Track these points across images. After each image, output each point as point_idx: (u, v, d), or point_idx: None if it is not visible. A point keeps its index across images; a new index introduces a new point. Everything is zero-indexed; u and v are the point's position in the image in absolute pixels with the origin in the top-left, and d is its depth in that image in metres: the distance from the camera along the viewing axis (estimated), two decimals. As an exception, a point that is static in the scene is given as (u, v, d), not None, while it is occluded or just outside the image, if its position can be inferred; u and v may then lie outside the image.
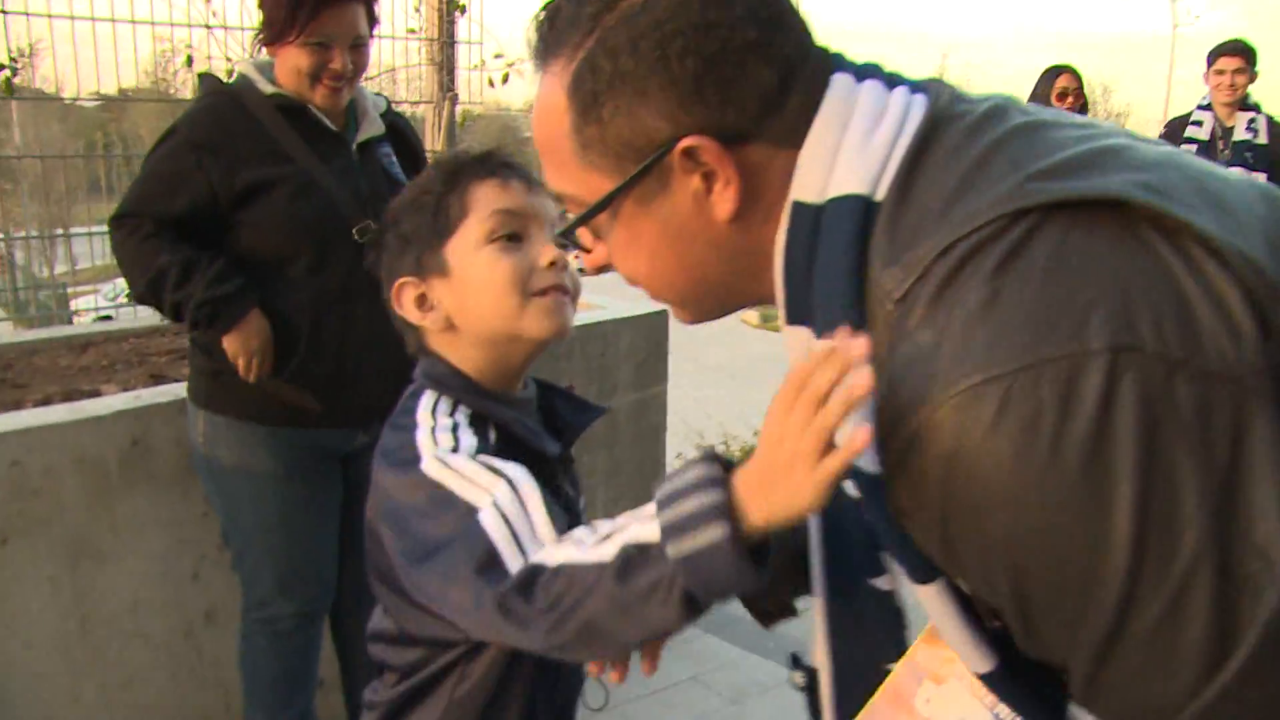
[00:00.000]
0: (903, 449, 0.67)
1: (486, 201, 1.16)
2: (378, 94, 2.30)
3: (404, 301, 1.18)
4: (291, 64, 2.00)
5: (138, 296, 2.07)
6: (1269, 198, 0.75)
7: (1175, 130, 4.49)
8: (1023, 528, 0.64)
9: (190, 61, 3.26)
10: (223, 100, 2.03)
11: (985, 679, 0.80)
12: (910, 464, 0.68)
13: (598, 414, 1.31)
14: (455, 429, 1.10)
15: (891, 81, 0.80)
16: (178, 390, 2.27)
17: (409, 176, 2.17)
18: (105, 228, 2.07)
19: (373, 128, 2.14)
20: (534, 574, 0.92)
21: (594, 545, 0.89)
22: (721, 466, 0.81)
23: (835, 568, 0.92)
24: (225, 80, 2.15)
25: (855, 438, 0.68)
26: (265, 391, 1.99)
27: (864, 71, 0.80)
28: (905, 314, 0.68)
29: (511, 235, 1.15)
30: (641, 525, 0.85)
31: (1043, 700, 0.76)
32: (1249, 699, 0.63)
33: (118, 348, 2.76)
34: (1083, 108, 4.49)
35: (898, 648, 0.93)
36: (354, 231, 2.03)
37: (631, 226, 0.82)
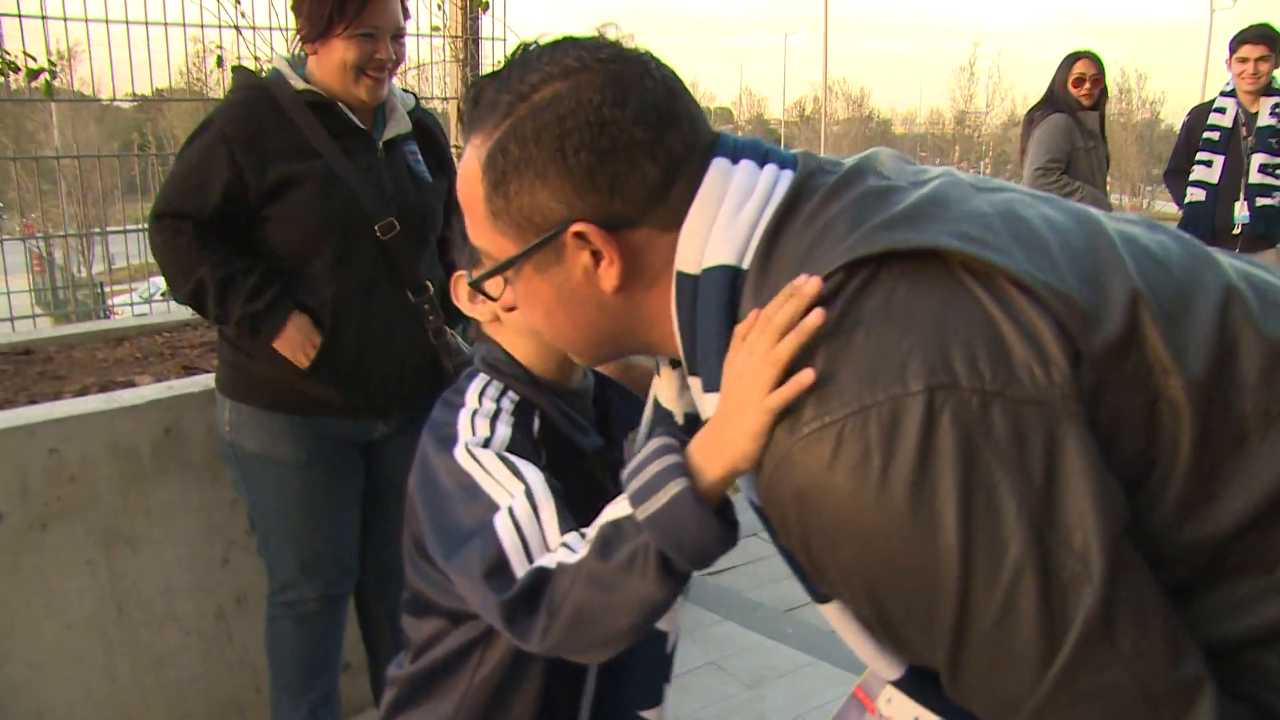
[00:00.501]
0: (766, 485, 0.78)
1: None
2: (406, 90, 2.33)
3: (459, 292, 1.23)
4: (337, 58, 2.02)
5: (181, 300, 2.12)
6: (1088, 230, 0.84)
7: (1199, 118, 4.46)
8: (868, 552, 0.74)
9: (220, 62, 3.33)
10: (256, 95, 2.06)
11: (897, 684, 0.89)
12: (772, 499, 0.78)
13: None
14: (495, 417, 1.15)
15: (765, 159, 0.90)
16: (208, 381, 2.34)
17: (434, 175, 2.22)
18: (141, 226, 2.12)
19: (400, 126, 2.17)
20: (538, 582, 0.97)
21: (583, 543, 0.94)
22: (674, 435, 0.90)
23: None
24: (258, 75, 2.19)
25: (802, 376, 0.76)
26: (289, 383, 2.05)
27: (740, 151, 0.90)
28: None
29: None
30: (614, 506, 0.92)
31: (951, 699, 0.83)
32: (1081, 685, 0.71)
33: (151, 341, 2.84)
34: (1102, 93, 4.45)
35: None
36: (376, 229, 2.07)
37: (531, 286, 0.93)
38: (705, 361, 0.86)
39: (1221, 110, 4.36)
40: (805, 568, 0.81)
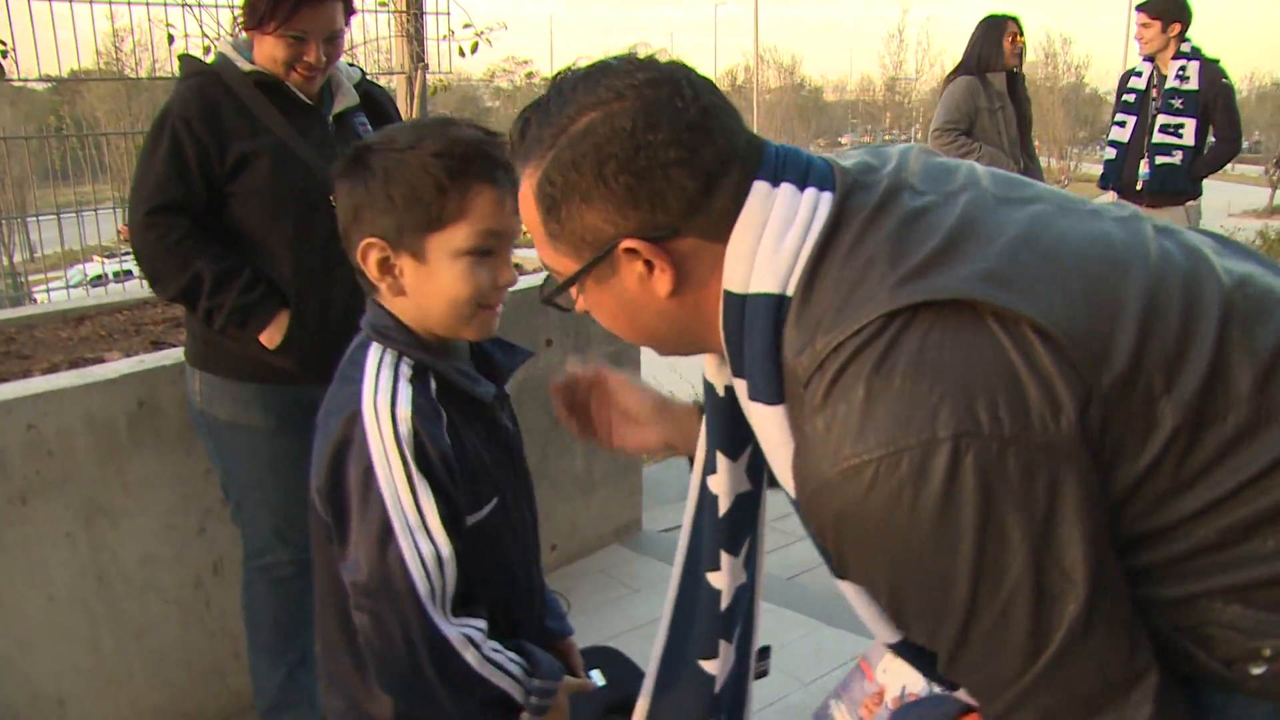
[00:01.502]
0: (807, 502, 0.91)
1: (481, 215, 1.22)
2: (351, 64, 2.35)
3: (368, 260, 1.25)
4: (268, 51, 2.07)
5: (168, 297, 2.13)
6: (1104, 247, 0.95)
7: (1123, 82, 4.66)
8: (894, 565, 0.88)
9: (171, 40, 3.31)
10: (205, 79, 2.09)
11: (892, 647, 1.03)
12: (813, 513, 0.90)
13: (526, 356, 1.45)
14: (395, 385, 1.21)
15: (805, 178, 0.98)
16: (178, 355, 2.37)
17: None
18: (65, 211, 2.11)
19: (347, 99, 2.21)
20: (451, 656, 1.19)
21: (488, 665, 1.22)
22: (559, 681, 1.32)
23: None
24: (201, 60, 2.21)
25: None
26: (255, 354, 2.09)
27: (782, 173, 0.98)
28: (809, 396, 0.89)
29: (487, 250, 1.24)
30: (514, 685, 1.25)
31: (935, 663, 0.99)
32: (1058, 681, 0.87)
33: (113, 319, 2.85)
34: (1023, 53, 4.60)
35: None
36: (331, 199, 2.11)
37: (595, 297, 1.03)
38: (751, 375, 0.96)
39: (1139, 74, 4.56)
40: (835, 564, 0.94)
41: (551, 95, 0.97)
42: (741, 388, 0.99)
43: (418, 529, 1.17)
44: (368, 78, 2.35)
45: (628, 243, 0.95)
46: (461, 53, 3.85)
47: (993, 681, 0.90)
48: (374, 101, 2.31)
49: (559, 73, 1.00)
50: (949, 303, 0.86)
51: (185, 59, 2.24)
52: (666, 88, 0.94)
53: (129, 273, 7.88)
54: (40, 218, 5.32)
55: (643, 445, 1.41)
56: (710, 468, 1.18)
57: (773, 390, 0.95)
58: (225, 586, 2.47)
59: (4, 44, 2.68)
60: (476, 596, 1.27)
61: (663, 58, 0.99)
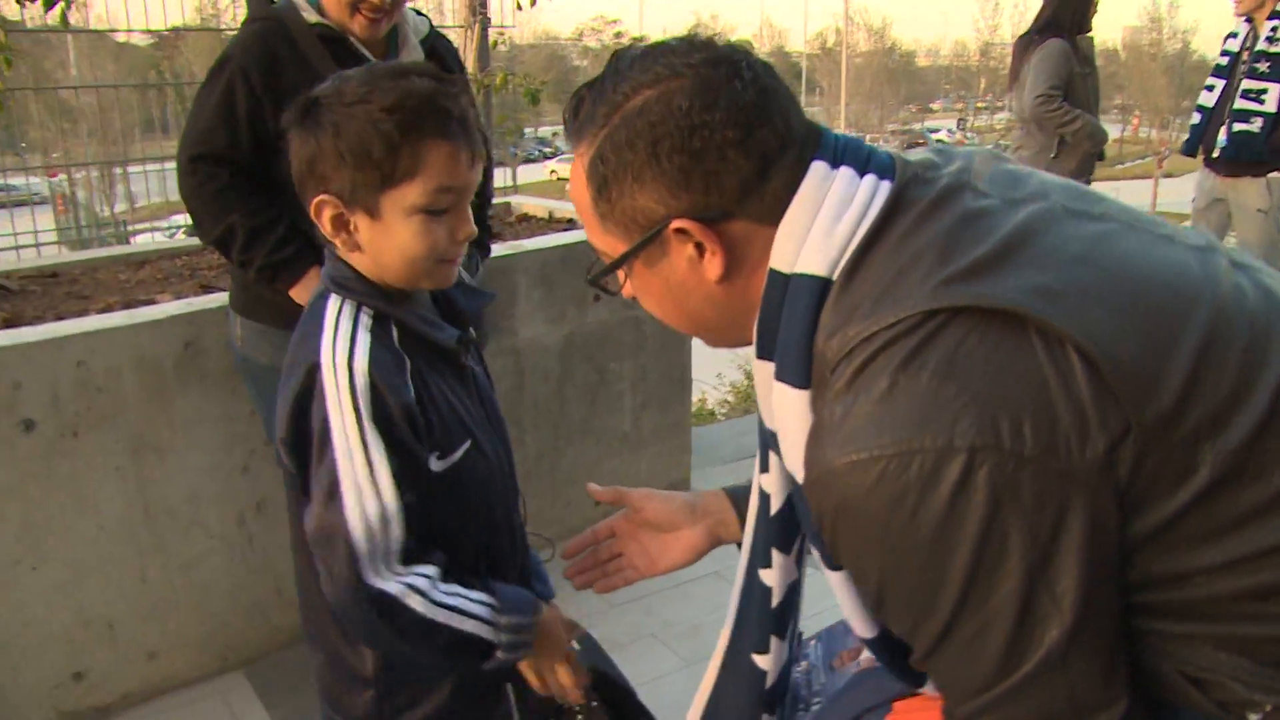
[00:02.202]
0: (810, 486, 0.89)
1: (435, 171, 1.19)
2: (420, 14, 2.31)
3: (322, 217, 1.23)
4: None
5: (206, 243, 2.16)
6: (1169, 274, 0.90)
7: (1224, 44, 4.42)
8: (886, 563, 0.86)
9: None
10: (269, 26, 2.06)
11: (867, 643, 1.03)
12: (814, 497, 0.89)
13: (488, 299, 1.44)
14: (354, 333, 1.21)
15: (865, 165, 0.96)
16: (224, 299, 2.43)
17: None
18: (162, 164, 2.12)
19: (412, 55, 2.17)
20: (392, 605, 1.19)
21: (442, 608, 1.21)
22: (538, 616, 1.32)
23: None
24: (270, 2, 2.16)
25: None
26: (294, 303, 2.12)
27: (842, 156, 0.96)
28: (834, 381, 0.88)
29: (442, 208, 1.21)
30: (483, 627, 1.25)
31: (909, 666, 0.99)
32: (1026, 697, 0.85)
33: (171, 264, 2.94)
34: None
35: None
36: None
37: (642, 280, 1.02)
38: (782, 356, 0.94)
39: (1235, 34, 4.32)
40: (828, 549, 0.93)
41: (607, 74, 0.96)
42: (767, 369, 0.97)
43: (365, 483, 1.16)
44: (436, 29, 2.30)
45: (679, 223, 0.94)
46: (519, 6, 3.83)
47: (963, 685, 0.89)
48: (438, 58, 2.26)
49: (616, 52, 0.99)
50: (993, 311, 0.83)
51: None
52: (724, 67, 0.92)
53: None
54: (147, 168, 5.50)
55: (690, 554, 1.38)
56: (763, 466, 1.15)
57: (801, 373, 0.93)
58: (268, 524, 2.55)
59: (67, -3, 2.76)
60: (434, 544, 1.26)
61: (721, 40, 0.97)
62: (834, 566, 0.97)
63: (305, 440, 1.20)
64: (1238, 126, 4.12)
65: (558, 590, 1.57)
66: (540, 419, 3.13)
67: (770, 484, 1.14)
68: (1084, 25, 4.36)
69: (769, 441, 1.12)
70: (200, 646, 2.52)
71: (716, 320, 1.03)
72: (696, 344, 3.88)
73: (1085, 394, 0.80)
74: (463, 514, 1.30)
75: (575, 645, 1.43)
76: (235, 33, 2.16)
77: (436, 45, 2.28)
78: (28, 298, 2.64)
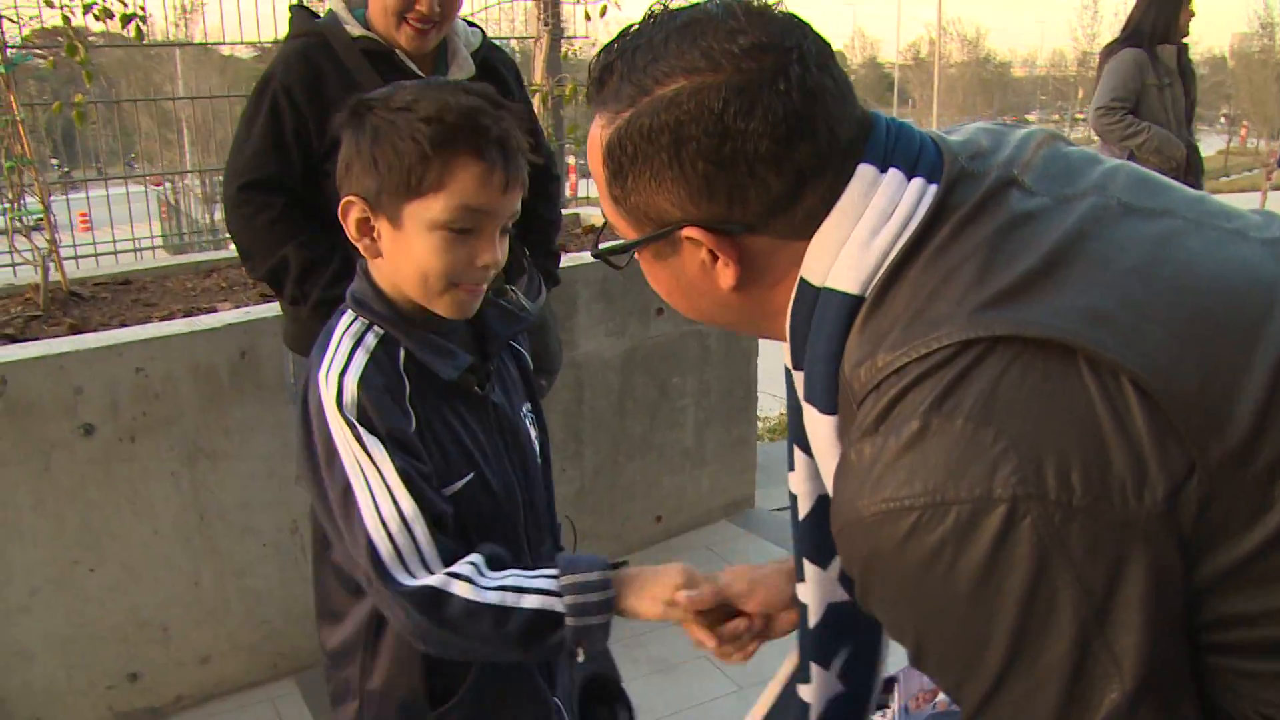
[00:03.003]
0: (838, 533, 0.81)
1: (461, 189, 1.15)
2: (473, 25, 2.26)
3: (348, 218, 1.21)
4: (377, 3, 1.98)
5: (256, 277, 2.08)
6: (1239, 283, 0.79)
7: None
8: (922, 618, 0.78)
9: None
10: (312, 42, 2.02)
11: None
12: (842, 544, 0.81)
13: (522, 324, 1.38)
14: (349, 359, 1.18)
15: (915, 166, 0.86)
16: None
17: None
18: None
19: (462, 70, 2.10)
20: (436, 597, 1.13)
21: (495, 590, 1.14)
22: (610, 571, 1.18)
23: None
24: (314, 17, 2.12)
25: (699, 636, 1.16)
26: None
27: (892, 157, 0.86)
28: (861, 416, 0.80)
29: (465, 229, 1.17)
30: (545, 598, 1.16)
31: None
32: None
33: (237, 272, 2.98)
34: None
35: None
36: None
37: (651, 269, 0.95)
38: (809, 376, 0.87)
39: None
40: (859, 598, 0.84)
41: (641, 44, 0.86)
42: (800, 382, 0.89)
43: (379, 489, 1.14)
44: (489, 41, 2.24)
45: (690, 231, 0.86)
46: (588, 16, 3.82)
47: None
48: (492, 70, 2.19)
49: (653, 6, 0.88)
50: (1037, 340, 0.74)
51: (297, 12, 2.15)
52: (771, 59, 0.81)
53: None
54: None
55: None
56: (790, 464, 1.04)
57: (828, 399, 0.85)
58: (322, 533, 2.55)
59: (142, 9, 2.84)
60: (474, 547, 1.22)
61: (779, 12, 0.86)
62: (865, 610, 0.89)
63: (314, 457, 1.18)
64: None
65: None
66: (599, 433, 3.10)
67: (797, 484, 1.03)
68: (1168, 35, 4.16)
69: (797, 439, 1.02)
70: (252, 652, 2.54)
71: (729, 321, 0.96)
72: (763, 359, 3.76)
73: (1143, 433, 0.71)
74: (462, 548, 1.22)
75: (582, 656, 1.39)
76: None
77: (490, 58, 2.21)
78: (97, 304, 2.70)
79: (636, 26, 0.88)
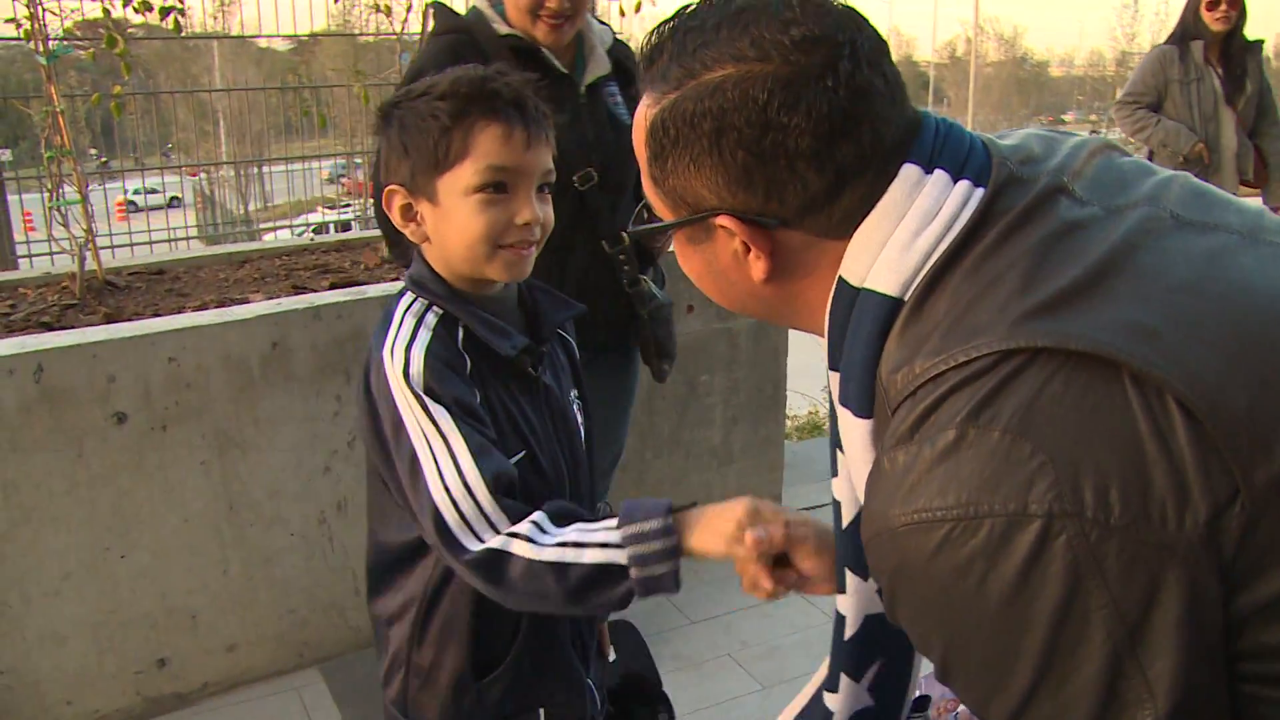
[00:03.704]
0: (868, 542, 0.79)
1: (485, 151, 1.20)
2: (603, 23, 2.29)
3: (392, 207, 1.27)
4: (512, 1, 2.04)
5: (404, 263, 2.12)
6: None
7: None
8: (950, 632, 0.76)
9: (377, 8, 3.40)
10: (459, 39, 2.06)
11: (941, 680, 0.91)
12: (871, 556, 0.80)
13: (573, 311, 1.40)
14: (413, 336, 1.22)
15: (962, 169, 0.84)
16: (314, 299, 2.48)
17: (633, 113, 2.19)
18: (291, 164, 2.12)
19: (600, 67, 2.15)
20: (497, 559, 1.14)
21: (554, 547, 1.14)
22: (672, 516, 1.12)
23: None
24: (457, 14, 2.17)
25: (761, 581, 1.08)
26: None
27: (938, 157, 0.84)
28: (896, 423, 0.78)
29: (499, 186, 1.21)
30: (606, 551, 1.12)
31: None
32: None
33: (269, 264, 3.01)
34: (1239, 19, 4.16)
35: None
36: (575, 180, 2.07)
37: (684, 253, 0.94)
38: (845, 379, 0.85)
39: None
40: (886, 608, 0.83)
41: (693, 26, 0.85)
42: (836, 384, 0.88)
43: (443, 458, 1.17)
44: (618, 40, 2.27)
45: (724, 220, 0.85)
46: (623, 12, 3.81)
47: None
48: (624, 69, 2.23)
49: None
50: (1080, 354, 0.72)
51: (439, 9, 2.20)
52: (821, 54, 0.80)
53: (348, 224, 8.42)
54: (278, 169, 5.79)
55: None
56: (834, 469, 1.00)
57: (864, 403, 0.83)
58: (348, 524, 2.57)
59: (180, 1, 2.87)
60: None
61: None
62: (892, 620, 0.87)
63: (381, 434, 1.21)
64: None
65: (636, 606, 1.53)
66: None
67: (841, 490, 0.99)
68: (1198, 32, 4.19)
69: (839, 442, 0.99)
70: (278, 641, 2.56)
71: (760, 311, 0.95)
72: (802, 356, 3.73)
73: (1186, 454, 0.69)
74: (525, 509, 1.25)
75: (612, 655, 1.39)
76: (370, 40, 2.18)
77: (620, 54, 2.25)
78: (132, 294, 2.73)
79: (692, 8, 0.87)
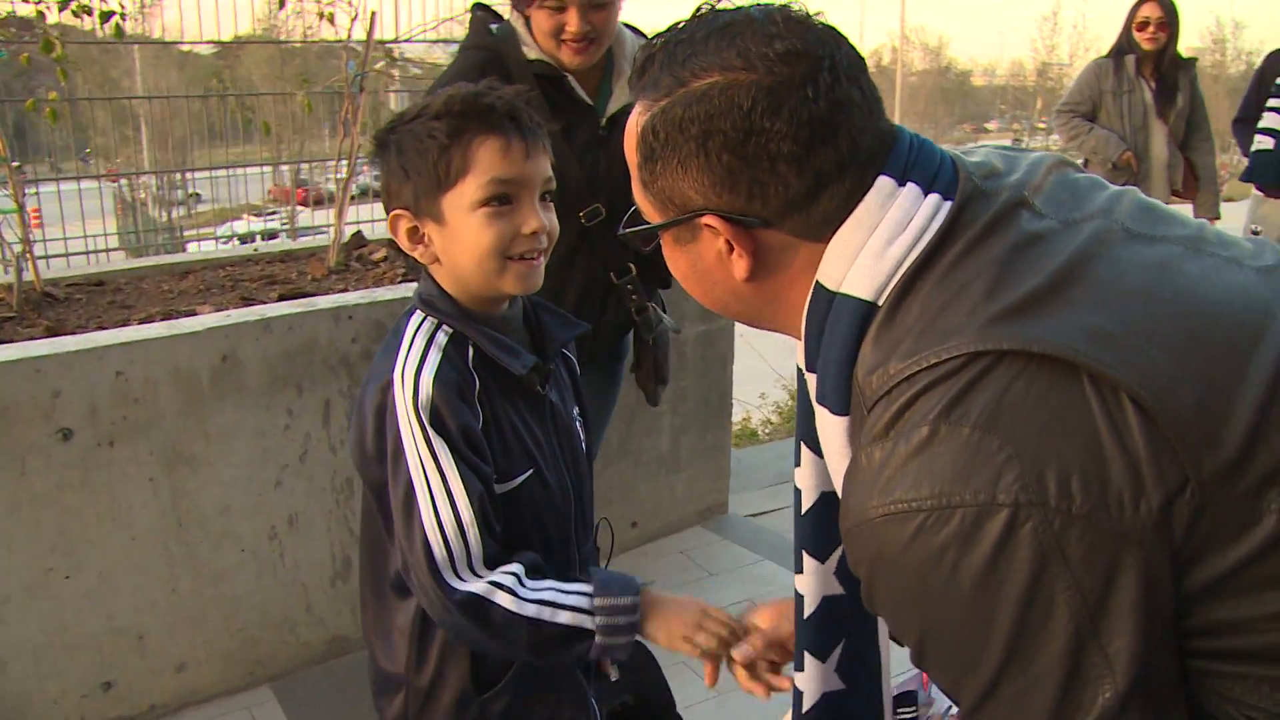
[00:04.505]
0: (847, 533, 0.85)
1: (486, 165, 1.21)
2: (639, 32, 2.25)
3: (399, 232, 1.28)
4: (536, 25, 2.03)
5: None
6: (1235, 309, 0.83)
7: (1274, 64, 4.35)
8: (924, 618, 0.82)
9: (283, 2, 3.37)
10: (489, 58, 2.05)
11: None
12: (850, 547, 0.85)
13: (578, 330, 1.43)
14: (424, 357, 1.23)
15: (932, 183, 0.90)
16: (264, 311, 2.44)
17: None
18: (213, 171, 2.11)
19: (625, 95, 2.12)
20: (482, 605, 1.20)
21: (533, 603, 1.22)
22: (638, 597, 1.26)
23: None
24: (490, 31, 2.13)
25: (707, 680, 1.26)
26: None
27: (911, 172, 0.90)
28: (872, 421, 0.83)
29: (503, 198, 1.23)
30: (578, 616, 1.24)
31: None
32: None
33: (214, 274, 2.95)
34: (1169, 39, 4.33)
35: None
36: (581, 215, 2.07)
37: (671, 254, 0.98)
38: (822, 378, 0.90)
39: None
40: (865, 598, 0.87)
41: (683, 38, 0.91)
42: (813, 383, 0.93)
43: (439, 494, 1.19)
44: None
45: (709, 219, 0.90)
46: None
47: None
48: None
49: (701, 5, 0.93)
50: (1042, 356, 0.78)
51: (478, 18, 2.17)
52: (803, 66, 0.86)
53: (275, 232, 8.27)
54: (206, 175, 5.66)
55: None
56: (796, 460, 1.10)
57: (840, 401, 0.88)
58: (300, 539, 2.54)
59: (123, 6, 2.81)
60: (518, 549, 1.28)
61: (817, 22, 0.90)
62: (870, 609, 0.92)
63: (381, 455, 1.22)
64: None
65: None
66: (577, 439, 3.10)
67: (802, 479, 1.08)
68: (1130, 47, 4.38)
69: (804, 436, 1.07)
70: (228, 660, 2.51)
71: (740, 311, 1.00)
72: (740, 364, 3.81)
73: (1140, 447, 0.75)
74: (517, 542, 1.29)
75: (615, 675, 1.42)
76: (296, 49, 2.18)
77: None
78: (72, 306, 2.66)
79: (682, 23, 0.93)
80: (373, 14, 3.02)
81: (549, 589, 1.23)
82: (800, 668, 1.14)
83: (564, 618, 1.22)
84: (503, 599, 1.20)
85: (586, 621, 1.23)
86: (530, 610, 1.21)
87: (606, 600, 1.24)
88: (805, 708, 1.15)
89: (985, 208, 0.88)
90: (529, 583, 1.23)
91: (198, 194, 8.83)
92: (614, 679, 1.44)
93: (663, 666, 2.53)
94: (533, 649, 1.23)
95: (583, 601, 1.24)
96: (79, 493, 2.23)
